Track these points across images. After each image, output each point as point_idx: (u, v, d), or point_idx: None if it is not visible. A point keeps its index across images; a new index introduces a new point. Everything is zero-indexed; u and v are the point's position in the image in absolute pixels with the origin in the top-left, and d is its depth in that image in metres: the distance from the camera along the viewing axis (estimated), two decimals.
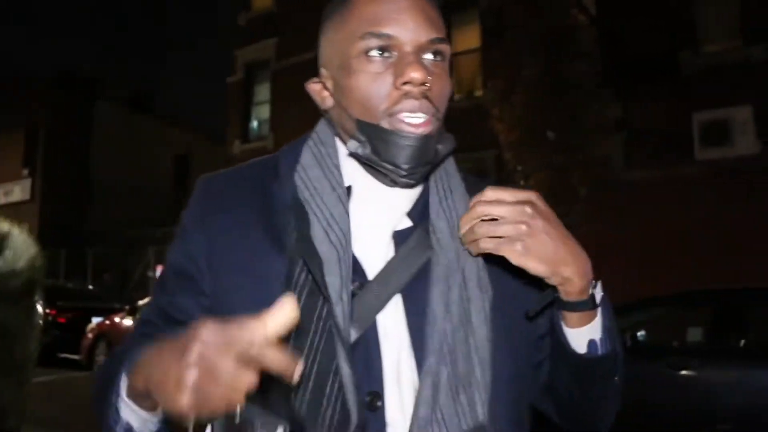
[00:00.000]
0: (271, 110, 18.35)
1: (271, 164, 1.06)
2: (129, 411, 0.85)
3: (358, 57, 0.94)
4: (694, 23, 11.84)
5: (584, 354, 0.96)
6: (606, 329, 0.97)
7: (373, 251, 0.98)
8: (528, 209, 0.90)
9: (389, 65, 0.93)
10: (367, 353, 0.92)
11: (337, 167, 0.99)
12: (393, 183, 0.98)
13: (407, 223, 1.01)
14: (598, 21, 12.35)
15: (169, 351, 0.72)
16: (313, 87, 1.04)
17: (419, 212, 1.02)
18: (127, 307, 12.16)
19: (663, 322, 7.52)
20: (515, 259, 0.89)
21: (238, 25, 19.32)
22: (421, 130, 0.92)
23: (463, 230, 0.94)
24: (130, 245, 20.97)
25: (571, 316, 0.96)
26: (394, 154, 0.92)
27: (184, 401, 0.68)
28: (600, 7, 12.61)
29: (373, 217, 0.99)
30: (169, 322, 0.99)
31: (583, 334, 0.97)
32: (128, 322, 11.55)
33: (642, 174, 10.93)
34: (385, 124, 0.93)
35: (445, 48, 0.97)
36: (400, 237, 0.99)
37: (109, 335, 11.78)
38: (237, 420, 0.70)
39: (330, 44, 1.00)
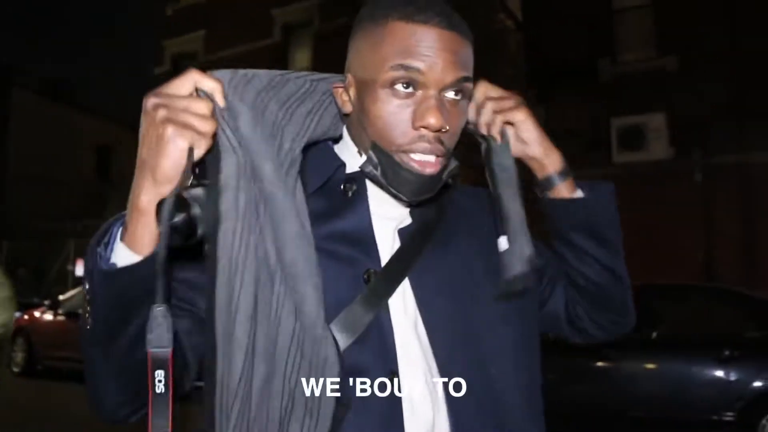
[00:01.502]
0: None
1: None
2: (119, 252, 0.87)
3: (384, 86, 0.97)
4: (613, 32, 12.35)
5: (583, 197, 1.16)
6: (587, 184, 1.19)
7: (382, 239, 1.04)
8: (518, 97, 1.11)
9: (411, 102, 0.97)
10: (381, 335, 0.97)
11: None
12: (394, 198, 1.06)
13: (409, 220, 1.08)
14: (524, 27, 12.75)
15: (141, 133, 0.87)
16: (338, 90, 1.06)
17: (421, 211, 1.09)
18: (47, 302, 11.83)
19: None
20: (523, 123, 1.10)
21: (165, 16, 18.96)
22: (429, 171, 0.98)
23: (483, 114, 1.09)
24: (48, 238, 20.30)
25: (560, 189, 1.15)
26: (400, 185, 0.99)
27: (169, 129, 0.83)
28: (525, 14, 13.00)
29: (380, 209, 1.06)
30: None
31: (575, 194, 1.17)
32: (49, 317, 11.28)
33: None
34: (397, 157, 0.99)
35: (468, 86, 1.02)
36: (403, 233, 1.06)
37: (27, 330, 11.39)
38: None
39: (359, 56, 1.03)
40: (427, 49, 0.96)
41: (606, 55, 12.20)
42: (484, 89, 1.10)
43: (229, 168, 0.89)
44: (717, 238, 10.61)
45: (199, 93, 0.88)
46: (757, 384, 5.74)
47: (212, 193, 0.87)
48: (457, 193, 1.16)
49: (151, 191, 0.84)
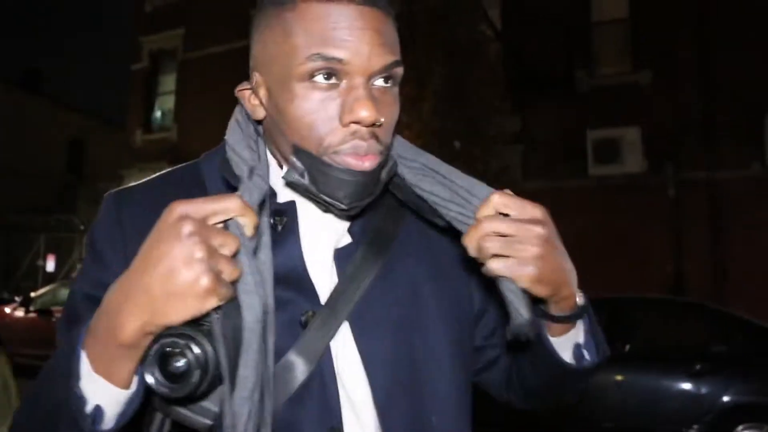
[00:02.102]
0: (176, 101, 17.90)
1: (190, 173, 0.97)
2: (96, 389, 0.72)
3: (302, 80, 0.84)
4: (590, 45, 12.51)
5: (572, 364, 0.93)
6: (589, 332, 0.95)
7: (318, 272, 0.91)
8: (540, 230, 0.82)
9: (336, 94, 0.84)
10: (322, 386, 0.87)
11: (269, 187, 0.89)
12: (326, 211, 0.93)
13: (348, 239, 0.95)
14: (503, 36, 12.87)
15: (149, 249, 0.69)
16: (243, 93, 0.93)
17: (360, 227, 0.96)
18: (17, 299, 11.68)
19: None
20: (524, 283, 0.82)
21: (143, 12, 18.76)
22: (366, 165, 0.85)
23: (470, 245, 0.83)
24: (18, 232, 19.99)
25: (556, 326, 0.91)
26: (333, 188, 0.85)
27: (204, 281, 0.66)
28: (505, 23, 13.12)
29: (313, 236, 0.93)
30: None
31: (569, 339, 0.93)
32: (20, 314, 11.14)
33: (537, 185, 11.44)
34: (326, 158, 0.85)
35: (398, 72, 0.88)
36: (342, 255, 0.93)
37: None
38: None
39: (265, 49, 0.89)
40: (347, 31, 0.83)
41: (583, 66, 12.36)
42: (500, 200, 0.84)
43: (253, 312, 0.73)
44: (687, 252, 10.81)
45: (229, 224, 0.73)
46: (726, 398, 5.88)
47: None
48: (399, 196, 0.98)
49: (142, 327, 0.68)
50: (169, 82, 18.38)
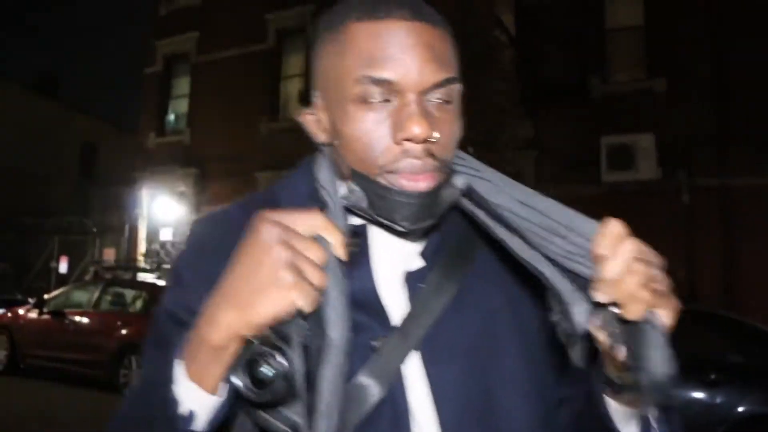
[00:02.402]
0: (190, 105, 17.98)
1: (268, 200, 0.95)
2: (189, 394, 0.75)
3: (354, 102, 0.83)
4: (605, 52, 12.49)
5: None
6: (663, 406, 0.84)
7: (389, 295, 0.89)
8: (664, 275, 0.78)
9: (388, 113, 0.83)
10: (393, 411, 0.85)
11: (342, 211, 0.87)
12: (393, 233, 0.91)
13: (420, 263, 0.92)
14: (517, 42, 12.87)
15: (239, 253, 0.73)
16: (306, 118, 0.93)
17: (433, 249, 0.93)
18: (31, 300, 11.75)
19: None
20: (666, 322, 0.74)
21: (158, 16, 18.89)
22: (421, 185, 0.82)
23: (626, 282, 0.74)
24: (31, 234, 20.14)
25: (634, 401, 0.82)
26: (390, 212, 0.84)
27: (288, 276, 0.69)
28: (519, 29, 13.13)
29: (384, 258, 0.91)
30: None
31: (633, 411, 0.84)
32: (33, 315, 11.21)
33: (550, 191, 11.43)
34: (381, 180, 0.83)
35: (454, 88, 0.86)
36: (413, 278, 0.90)
37: (10, 328, 11.33)
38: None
39: (323, 73, 0.90)
40: (397, 49, 0.82)
41: (597, 73, 12.34)
42: (633, 246, 0.78)
43: (338, 329, 0.74)
44: (699, 259, 10.76)
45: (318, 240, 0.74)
46: (741, 408, 5.84)
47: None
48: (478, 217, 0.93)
49: (230, 326, 0.71)
50: (182, 85, 18.48)
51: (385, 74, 0.81)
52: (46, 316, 11.01)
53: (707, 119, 11.05)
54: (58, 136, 25.75)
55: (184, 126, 17.98)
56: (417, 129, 0.79)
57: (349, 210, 0.88)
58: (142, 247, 17.35)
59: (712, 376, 5.96)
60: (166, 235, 17.34)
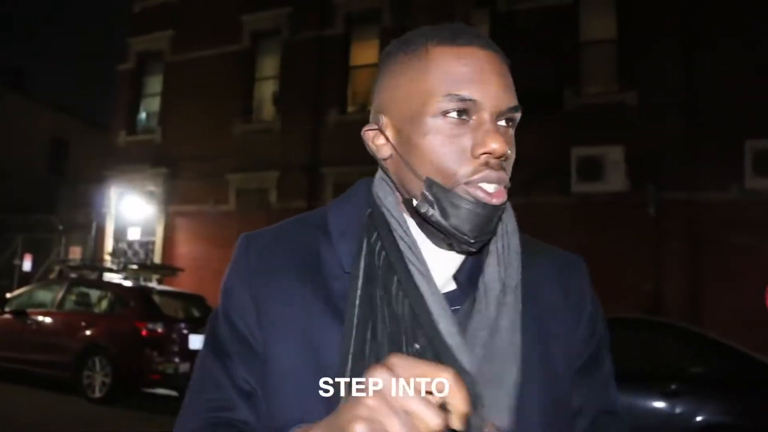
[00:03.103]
0: (162, 104, 17.82)
1: (316, 224, 1.02)
2: None
3: (435, 117, 0.89)
4: (578, 64, 12.65)
5: None
6: None
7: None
8: None
9: (466, 129, 0.89)
10: None
11: (408, 232, 0.93)
12: (449, 246, 0.94)
13: (452, 286, 0.96)
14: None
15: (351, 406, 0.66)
16: (369, 134, 0.98)
17: (466, 276, 0.97)
18: None
19: None
20: None
21: (132, 13, 18.71)
22: (495, 201, 0.88)
23: None
24: None
25: None
26: (462, 221, 0.88)
27: None
28: (494, 39, 13.20)
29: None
30: (236, 394, 0.95)
31: None
32: None
33: (520, 201, 11.50)
34: (459, 190, 0.88)
35: (518, 116, 0.94)
36: (449, 301, 0.92)
37: None
38: None
39: (397, 92, 0.94)
40: (478, 73, 0.89)
41: (570, 86, 12.48)
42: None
43: None
44: (665, 272, 10.92)
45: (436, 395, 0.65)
46: (699, 418, 5.94)
47: None
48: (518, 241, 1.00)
49: None
50: (155, 83, 18.31)
51: (470, 94, 0.88)
52: (7, 316, 10.81)
53: (676, 133, 11.21)
54: (26, 131, 25.28)
55: (155, 125, 17.79)
56: (495, 144, 0.87)
57: (420, 217, 0.93)
58: (109, 246, 17.14)
59: (673, 387, 6.05)
60: (133, 234, 17.16)
